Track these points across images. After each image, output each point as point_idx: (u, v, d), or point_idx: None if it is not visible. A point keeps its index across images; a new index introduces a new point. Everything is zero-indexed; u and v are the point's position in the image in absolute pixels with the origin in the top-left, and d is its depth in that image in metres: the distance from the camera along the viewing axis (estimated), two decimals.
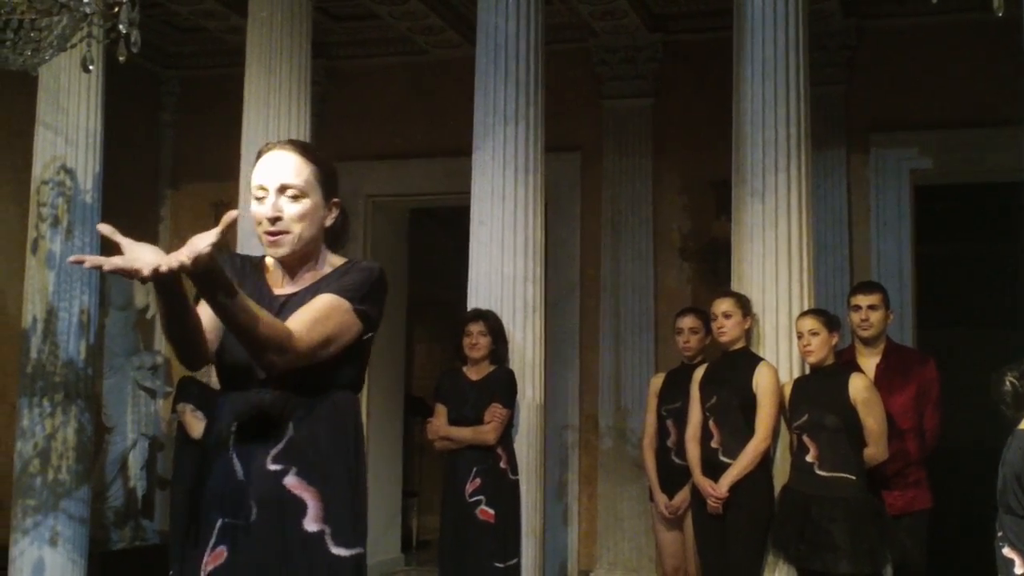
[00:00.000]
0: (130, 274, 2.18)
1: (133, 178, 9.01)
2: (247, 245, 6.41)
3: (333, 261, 2.70)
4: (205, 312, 2.49)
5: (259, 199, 2.62)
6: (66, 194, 6.36)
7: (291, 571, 2.48)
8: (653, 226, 8.40)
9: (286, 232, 2.60)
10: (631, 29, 8.36)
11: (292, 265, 2.66)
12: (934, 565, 5.65)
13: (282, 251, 2.62)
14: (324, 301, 2.54)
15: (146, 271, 2.16)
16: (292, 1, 6.79)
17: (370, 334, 2.65)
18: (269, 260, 2.72)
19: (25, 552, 6.18)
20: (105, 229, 2.28)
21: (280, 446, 2.52)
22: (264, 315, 2.39)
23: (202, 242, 2.20)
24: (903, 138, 8.02)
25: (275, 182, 2.61)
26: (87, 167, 6.45)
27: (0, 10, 4.15)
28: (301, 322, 2.47)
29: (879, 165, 8.05)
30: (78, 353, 6.36)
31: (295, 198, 2.61)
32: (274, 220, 2.59)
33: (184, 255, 2.18)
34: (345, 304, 2.55)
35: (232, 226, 2.28)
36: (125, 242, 2.23)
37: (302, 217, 2.61)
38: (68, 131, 6.41)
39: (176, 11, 8.52)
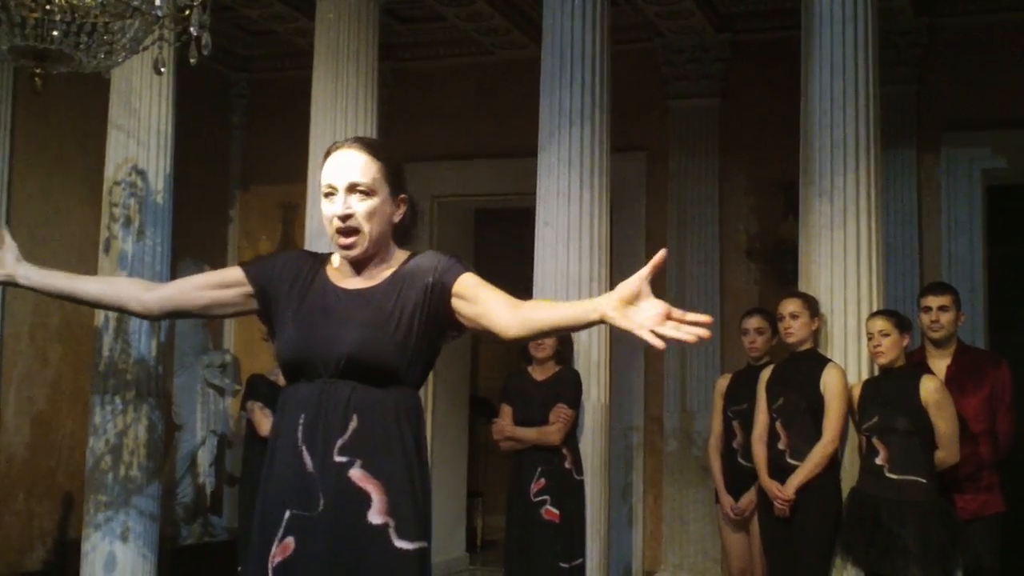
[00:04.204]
0: None
1: (203, 179, 9.13)
2: (314, 246, 6.47)
3: (399, 256, 2.73)
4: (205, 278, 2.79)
5: (329, 197, 2.67)
6: (138, 195, 6.44)
7: (356, 563, 2.50)
8: (719, 227, 8.35)
9: (357, 231, 2.64)
10: (697, 29, 8.32)
11: (363, 262, 2.69)
12: (1007, 570, 5.56)
13: (355, 252, 2.66)
14: (477, 284, 2.65)
15: None
16: (359, 3, 6.85)
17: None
18: (335, 257, 2.75)
19: (97, 547, 6.27)
20: None
21: (345, 438, 2.55)
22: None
23: (628, 289, 2.37)
24: (975, 138, 7.89)
25: (344, 181, 2.65)
26: (158, 168, 6.53)
27: (74, 14, 4.22)
28: (506, 300, 2.63)
29: (950, 165, 7.92)
30: (149, 351, 6.44)
31: (364, 196, 2.65)
32: (345, 218, 2.63)
33: None
34: (473, 275, 2.68)
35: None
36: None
37: (371, 215, 2.65)
38: (140, 133, 6.50)
39: (245, 14, 8.62)
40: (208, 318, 2.94)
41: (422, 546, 2.56)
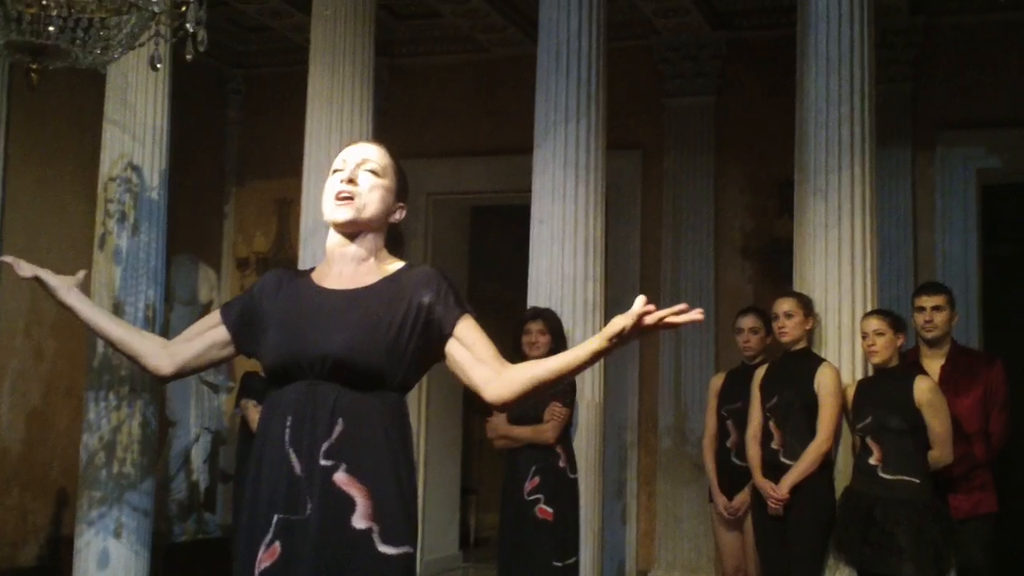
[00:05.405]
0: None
1: (199, 175, 9.13)
2: (309, 243, 6.47)
3: (392, 262, 2.72)
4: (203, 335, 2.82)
5: (337, 171, 2.70)
6: (133, 191, 6.44)
7: (340, 568, 2.47)
8: (714, 225, 8.35)
9: (355, 195, 2.65)
10: (694, 27, 8.32)
11: (355, 253, 2.67)
12: (999, 569, 5.57)
13: (348, 213, 2.65)
14: (475, 331, 2.68)
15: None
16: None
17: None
18: (318, 268, 2.74)
19: (90, 543, 6.26)
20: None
21: (331, 441, 2.52)
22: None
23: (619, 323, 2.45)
24: (970, 137, 7.90)
25: (357, 157, 2.70)
26: (154, 164, 6.53)
27: (71, 9, 4.22)
28: (493, 356, 2.69)
29: (945, 164, 7.93)
30: None
31: (372, 175, 2.68)
32: (349, 181, 2.66)
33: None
34: (472, 319, 2.69)
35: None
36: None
37: (374, 188, 2.68)
38: (135, 128, 6.49)
39: (242, 10, 8.61)
40: (216, 364, 2.97)
41: (407, 551, 2.53)
